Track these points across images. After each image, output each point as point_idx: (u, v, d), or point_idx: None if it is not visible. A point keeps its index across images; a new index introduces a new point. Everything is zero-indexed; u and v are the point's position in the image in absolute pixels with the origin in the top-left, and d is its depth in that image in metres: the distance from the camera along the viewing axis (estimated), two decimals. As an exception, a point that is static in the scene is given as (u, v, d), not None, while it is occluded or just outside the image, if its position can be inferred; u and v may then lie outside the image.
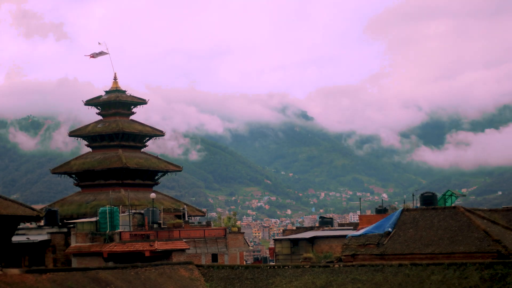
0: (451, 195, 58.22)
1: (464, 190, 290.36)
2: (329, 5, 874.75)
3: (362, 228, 48.67)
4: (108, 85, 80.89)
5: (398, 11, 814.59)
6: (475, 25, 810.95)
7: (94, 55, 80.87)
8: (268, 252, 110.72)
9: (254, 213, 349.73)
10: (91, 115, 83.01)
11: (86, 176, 76.81)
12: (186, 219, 67.05)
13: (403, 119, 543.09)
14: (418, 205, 54.70)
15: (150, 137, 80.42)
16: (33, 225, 66.17)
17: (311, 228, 74.23)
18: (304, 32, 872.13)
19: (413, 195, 61.41)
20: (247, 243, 70.17)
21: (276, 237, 76.19)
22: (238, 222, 78.42)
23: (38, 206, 57.48)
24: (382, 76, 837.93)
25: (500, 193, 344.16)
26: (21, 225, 61.86)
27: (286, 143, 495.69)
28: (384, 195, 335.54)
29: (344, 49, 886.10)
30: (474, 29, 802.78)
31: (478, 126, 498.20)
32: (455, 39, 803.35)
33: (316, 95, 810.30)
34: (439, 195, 57.30)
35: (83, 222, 61.40)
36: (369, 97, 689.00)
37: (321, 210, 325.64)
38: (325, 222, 76.52)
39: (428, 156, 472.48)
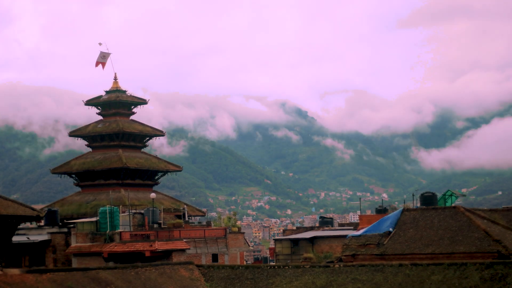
0: (451, 195, 58.18)
1: (464, 190, 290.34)
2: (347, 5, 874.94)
3: (362, 228, 48.67)
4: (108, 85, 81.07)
5: (423, 11, 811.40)
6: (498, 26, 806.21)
7: (101, 61, 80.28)
8: (268, 252, 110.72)
9: (254, 213, 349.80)
10: (91, 115, 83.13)
11: (86, 176, 76.81)
12: (186, 219, 67.03)
13: (404, 119, 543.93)
14: (418, 205, 54.66)
15: (150, 137, 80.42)
16: (33, 225, 66.14)
17: (311, 228, 74.21)
18: (308, 32, 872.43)
19: (413, 195, 61.36)
20: (247, 243, 70.16)
21: (276, 237, 76.17)
22: (238, 222, 78.42)
23: (38, 206, 57.39)
24: (385, 76, 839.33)
25: (500, 193, 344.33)
26: (21, 225, 61.82)
27: (286, 143, 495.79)
28: (384, 195, 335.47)
29: (348, 49, 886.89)
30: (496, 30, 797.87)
31: (479, 126, 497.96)
32: (476, 40, 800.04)
33: (317, 95, 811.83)
34: (439, 195, 57.25)
35: (83, 222, 61.39)
36: (371, 96, 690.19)
37: (321, 210, 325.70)
38: (325, 222, 76.49)
39: (428, 156, 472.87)
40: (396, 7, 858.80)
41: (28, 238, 61.00)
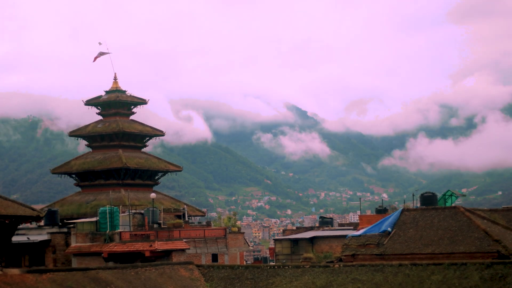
0: (451, 195, 58.16)
1: (464, 190, 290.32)
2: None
3: (362, 228, 48.68)
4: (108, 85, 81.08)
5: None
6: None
7: (99, 55, 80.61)
8: (268, 252, 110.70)
9: (254, 213, 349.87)
10: (91, 115, 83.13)
11: (86, 176, 76.83)
12: (186, 219, 67.06)
13: (405, 118, 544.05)
14: (418, 205, 54.65)
15: (150, 137, 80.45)
16: (33, 225, 66.11)
17: (311, 228, 74.27)
18: (310, 31, 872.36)
19: (413, 195, 61.37)
20: (247, 243, 70.18)
21: (276, 237, 76.21)
22: (238, 222, 78.43)
23: (38, 206, 57.42)
24: (386, 76, 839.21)
25: (500, 193, 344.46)
26: (21, 225, 61.72)
27: (286, 143, 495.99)
28: (384, 195, 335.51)
29: (348, 48, 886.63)
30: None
31: (481, 126, 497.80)
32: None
33: (316, 94, 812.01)
34: (439, 195, 57.24)
35: (83, 222, 61.39)
36: (371, 95, 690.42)
37: (321, 210, 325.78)
38: (325, 222, 76.54)
39: (429, 156, 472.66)
40: (410, 8, 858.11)
41: (28, 238, 60.93)
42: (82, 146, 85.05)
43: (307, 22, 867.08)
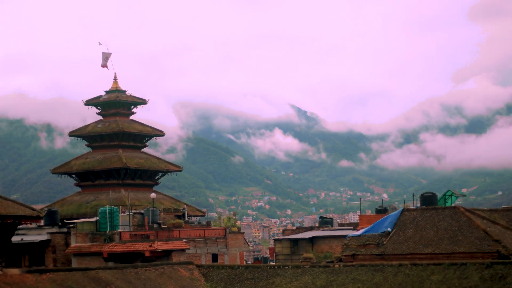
0: (451, 195, 58.17)
1: (464, 190, 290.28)
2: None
3: (362, 228, 48.67)
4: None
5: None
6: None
7: (105, 63, 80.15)
8: (268, 252, 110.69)
9: (254, 213, 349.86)
10: (91, 115, 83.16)
11: (86, 176, 76.84)
12: (186, 219, 67.05)
13: (406, 118, 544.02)
14: (418, 205, 54.64)
15: (150, 137, 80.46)
16: (33, 225, 66.10)
17: (311, 228, 74.20)
18: (311, 30, 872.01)
19: (413, 195, 61.37)
20: (247, 243, 70.15)
21: (276, 237, 76.15)
22: (238, 222, 78.39)
23: (38, 206, 57.36)
24: (389, 75, 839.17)
25: (500, 193, 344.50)
26: (21, 225, 61.59)
27: (286, 143, 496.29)
28: (384, 195, 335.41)
29: (348, 48, 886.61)
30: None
31: (480, 126, 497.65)
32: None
33: (317, 94, 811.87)
34: (439, 195, 57.24)
35: (83, 222, 61.38)
36: (371, 94, 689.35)
37: (321, 210, 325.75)
38: (325, 222, 76.47)
39: (429, 156, 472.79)
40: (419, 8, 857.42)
41: (22, 239, 60.58)
42: (82, 146, 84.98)
43: (308, 22, 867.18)
